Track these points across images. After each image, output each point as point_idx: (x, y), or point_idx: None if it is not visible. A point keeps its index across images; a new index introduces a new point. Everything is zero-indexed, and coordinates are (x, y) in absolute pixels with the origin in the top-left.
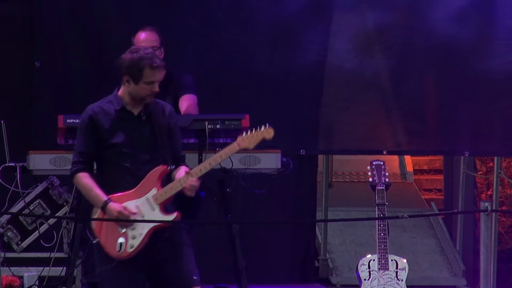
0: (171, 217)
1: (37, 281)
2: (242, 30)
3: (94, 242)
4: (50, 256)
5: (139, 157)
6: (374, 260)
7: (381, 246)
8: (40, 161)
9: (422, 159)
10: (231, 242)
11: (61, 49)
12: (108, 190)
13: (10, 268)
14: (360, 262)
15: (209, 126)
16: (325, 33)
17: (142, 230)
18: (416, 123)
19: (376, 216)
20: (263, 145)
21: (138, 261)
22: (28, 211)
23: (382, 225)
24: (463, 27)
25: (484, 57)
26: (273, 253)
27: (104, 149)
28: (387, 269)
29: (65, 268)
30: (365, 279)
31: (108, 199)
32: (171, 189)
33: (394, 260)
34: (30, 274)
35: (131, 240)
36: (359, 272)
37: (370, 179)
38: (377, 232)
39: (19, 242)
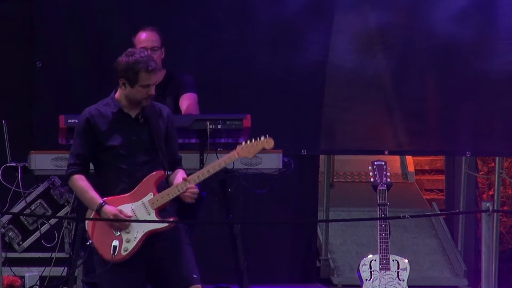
0: (165, 223)
1: (38, 281)
2: (242, 30)
3: (88, 243)
4: (51, 256)
5: (136, 158)
6: (375, 260)
7: (382, 246)
8: (41, 161)
9: (423, 159)
10: (233, 242)
11: (61, 49)
12: (105, 192)
13: (12, 268)
14: (362, 262)
15: (211, 126)
16: (326, 33)
17: (136, 234)
18: (417, 123)
19: (378, 216)
20: None
21: (137, 262)
22: (29, 211)
23: (383, 225)
24: (464, 27)
25: (485, 57)
26: (274, 253)
27: (101, 151)
28: (389, 269)
29: (66, 268)
30: (366, 279)
31: (103, 201)
32: (167, 195)
33: (396, 260)
34: (32, 274)
35: (125, 243)
36: (361, 272)
37: (372, 179)
38: (378, 232)
39: (20, 242)
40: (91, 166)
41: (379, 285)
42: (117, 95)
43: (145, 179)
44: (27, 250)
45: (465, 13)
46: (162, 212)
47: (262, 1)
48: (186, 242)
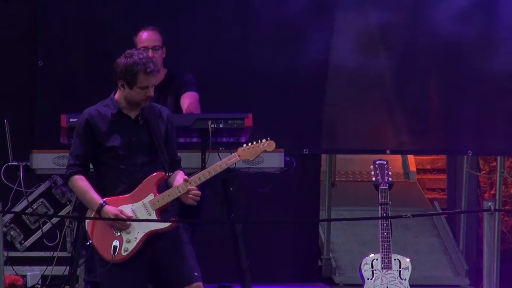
0: (166, 224)
1: (40, 280)
2: (244, 30)
3: (88, 243)
4: (53, 255)
5: (136, 159)
6: (377, 259)
7: (384, 246)
8: (43, 160)
9: (425, 159)
10: (234, 241)
11: (64, 49)
12: (105, 193)
13: (13, 267)
14: (363, 261)
15: (212, 125)
16: (328, 32)
17: (137, 235)
18: (419, 122)
19: (379, 216)
20: None
21: (138, 261)
22: (31, 210)
23: (385, 225)
24: (466, 26)
25: (487, 56)
26: (276, 252)
27: (100, 152)
28: (390, 268)
29: (68, 267)
30: (368, 278)
31: (104, 202)
32: (168, 196)
33: (397, 259)
34: (33, 273)
35: (125, 243)
36: (362, 271)
37: (373, 179)
38: (380, 231)
39: (22, 241)
40: (91, 167)
41: (381, 284)
42: (116, 96)
43: (145, 180)
44: (29, 249)
45: (466, 12)
46: (162, 212)
47: (263, 1)
48: (187, 241)
